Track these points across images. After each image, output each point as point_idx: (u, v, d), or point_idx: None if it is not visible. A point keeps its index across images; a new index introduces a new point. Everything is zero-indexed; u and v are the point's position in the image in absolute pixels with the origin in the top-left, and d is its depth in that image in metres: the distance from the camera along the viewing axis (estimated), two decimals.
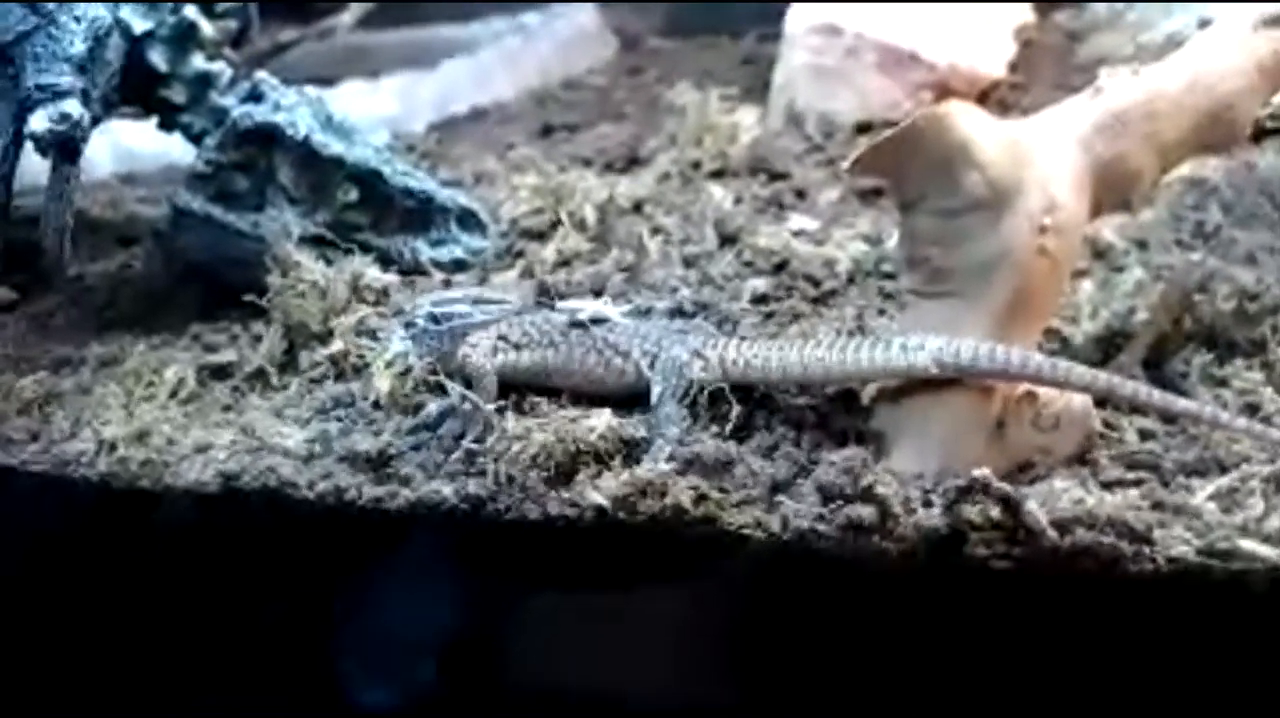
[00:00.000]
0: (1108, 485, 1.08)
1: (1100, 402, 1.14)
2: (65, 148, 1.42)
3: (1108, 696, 1.01)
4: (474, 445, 1.15)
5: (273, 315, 1.40)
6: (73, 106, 1.40)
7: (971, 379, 1.09)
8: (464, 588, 1.20)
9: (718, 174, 1.76)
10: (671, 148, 1.83)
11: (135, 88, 1.53)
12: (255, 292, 1.41)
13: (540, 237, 1.61)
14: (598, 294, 1.43)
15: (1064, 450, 1.12)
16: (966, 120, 1.10)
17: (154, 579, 1.26)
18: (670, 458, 1.12)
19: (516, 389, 1.22)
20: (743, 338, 1.22)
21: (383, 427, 1.23)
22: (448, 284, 1.53)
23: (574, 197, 1.64)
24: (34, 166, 1.52)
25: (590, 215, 1.62)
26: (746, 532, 1.06)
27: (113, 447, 1.25)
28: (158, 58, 1.52)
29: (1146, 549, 0.99)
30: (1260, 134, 1.51)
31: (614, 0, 2.43)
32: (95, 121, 1.46)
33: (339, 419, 1.27)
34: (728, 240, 1.56)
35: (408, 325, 1.25)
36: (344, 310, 1.40)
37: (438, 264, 1.56)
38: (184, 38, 1.54)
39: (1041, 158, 1.12)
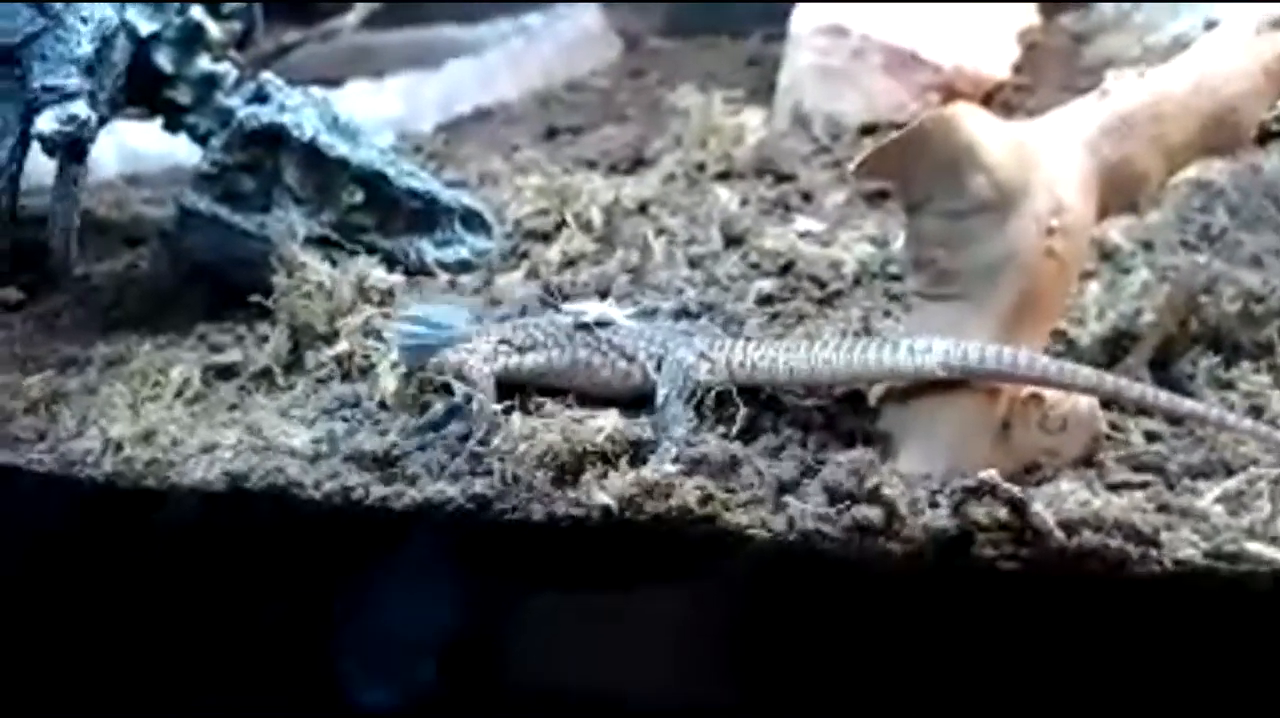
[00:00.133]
0: (1114, 487, 1.08)
1: (1106, 404, 1.14)
2: (72, 148, 1.43)
3: (1115, 697, 1.01)
4: (479, 447, 1.15)
5: (278, 316, 1.41)
6: (80, 108, 1.40)
7: (978, 381, 1.09)
8: (471, 588, 1.20)
9: (723, 176, 1.75)
10: (676, 149, 1.83)
11: (141, 89, 1.54)
12: (261, 292, 1.41)
13: (545, 238, 1.61)
14: (603, 295, 1.43)
15: (1070, 452, 1.12)
16: (973, 122, 1.10)
17: (160, 578, 1.26)
18: (676, 459, 1.11)
19: (522, 389, 1.22)
20: (748, 339, 1.22)
21: (389, 427, 1.23)
22: (452, 285, 1.53)
23: (579, 198, 1.65)
24: (40, 167, 1.52)
25: (595, 217, 1.62)
26: (752, 532, 1.06)
27: (119, 446, 1.25)
28: (164, 59, 1.52)
29: (1153, 551, 0.99)
30: (1266, 137, 1.51)
31: (617, 1, 2.43)
32: (102, 122, 1.47)
33: (345, 419, 1.27)
34: (733, 242, 1.56)
35: (391, 333, 1.25)
36: (349, 311, 1.41)
37: (443, 265, 1.56)
38: (190, 39, 1.54)
39: (1048, 160, 1.12)
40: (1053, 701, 1.03)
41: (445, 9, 2.46)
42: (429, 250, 1.56)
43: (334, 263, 1.45)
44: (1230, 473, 1.08)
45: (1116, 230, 1.47)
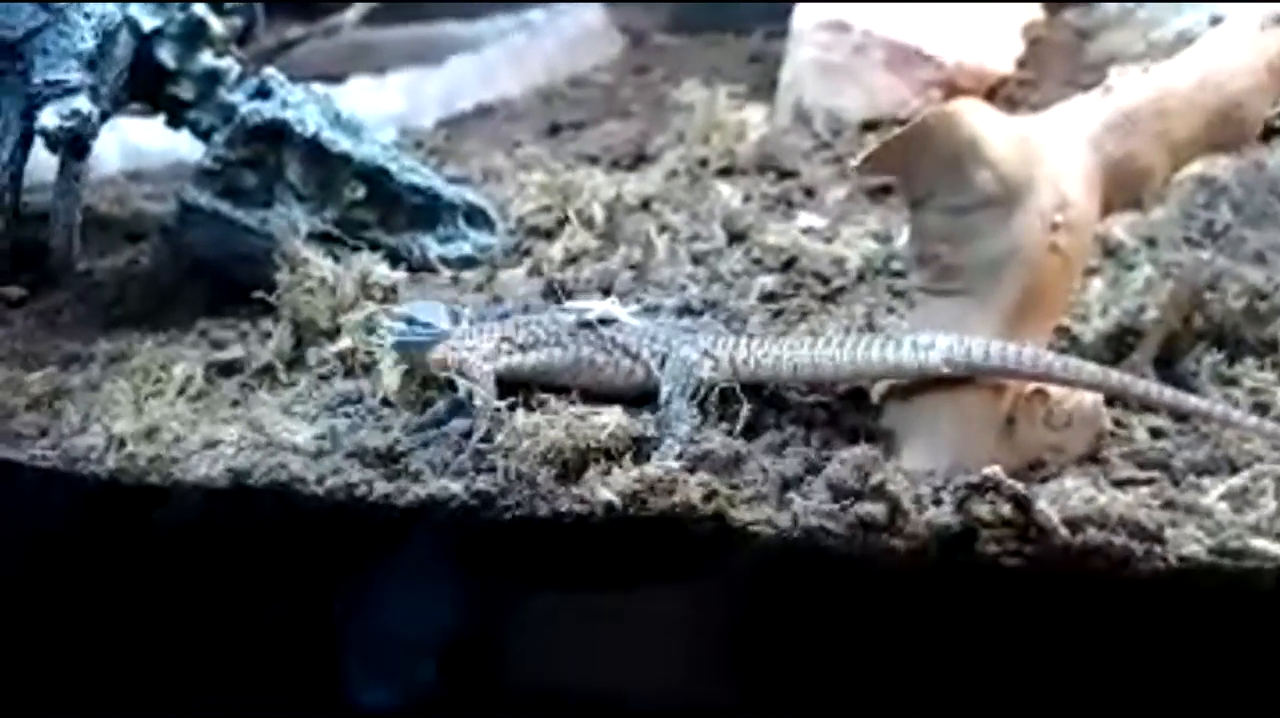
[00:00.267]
0: (1119, 484, 1.08)
1: (1110, 400, 1.14)
2: (75, 144, 1.42)
3: (1119, 694, 1.01)
4: (482, 444, 1.15)
5: (281, 312, 1.40)
6: (82, 103, 1.40)
7: (982, 377, 1.09)
8: (474, 584, 1.20)
9: (725, 172, 1.75)
10: (679, 145, 1.82)
11: (144, 84, 1.53)
12: (263, 288, 1.41)
13: (548, 234, 1.61)
14: (606, 292, 1.43)
15: (1075, 449, 1.12)
16: (977, 117, 1.09)
17: (163, 575, 1.26)
18: (680, 456, 1.11)
19: (525, 386, 1.22)
20: (752, 337, 1.22)
21: (391, 423, 1.23)
22: (455, 281, 1.53)
23: (581, 194, 1.64)
24: (41, 164, 1.52)
25: (598, 213, 1.61)
26: (756, 529, 1.06)
27: (122, 442, 1.25)
28: (166, 54, 1.52)
29: (1158, 548, 0.99)
30: (1270, 133, 1.51)
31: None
32: (104, 118, 1.46)
33: (348, 416, 1.27)
34: (736, 238, 1.56)
35: (386, 329, 1.25)
36: (352, 307, 1.40)
37: (446, 261, 1.56)
38: (193, 34, 1.54)
39: (1052, 155, 1.11)
40: (1057, 698, 1.03)
41: (447, 5, 2.45)
42: (432, 246, 1.56)
43: (336, 259, 1.44)
44: (1235, 470, 1.08)
45: (1120, 227, 1.47)
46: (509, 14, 2.40)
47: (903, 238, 1.50)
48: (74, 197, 1.46)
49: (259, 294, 1.41)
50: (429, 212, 1.56)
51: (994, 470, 1.01)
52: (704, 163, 1.77)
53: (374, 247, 1.49)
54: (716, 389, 1.16)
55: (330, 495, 1.15)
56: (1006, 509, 1.01)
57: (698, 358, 1.17)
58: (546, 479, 1.11)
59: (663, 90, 2.07)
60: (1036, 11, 2.04)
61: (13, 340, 1.49)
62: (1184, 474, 1.09)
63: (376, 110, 1.93)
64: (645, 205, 1.66)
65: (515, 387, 1.21)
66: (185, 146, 1.72)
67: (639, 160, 1.83)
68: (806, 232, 1.57)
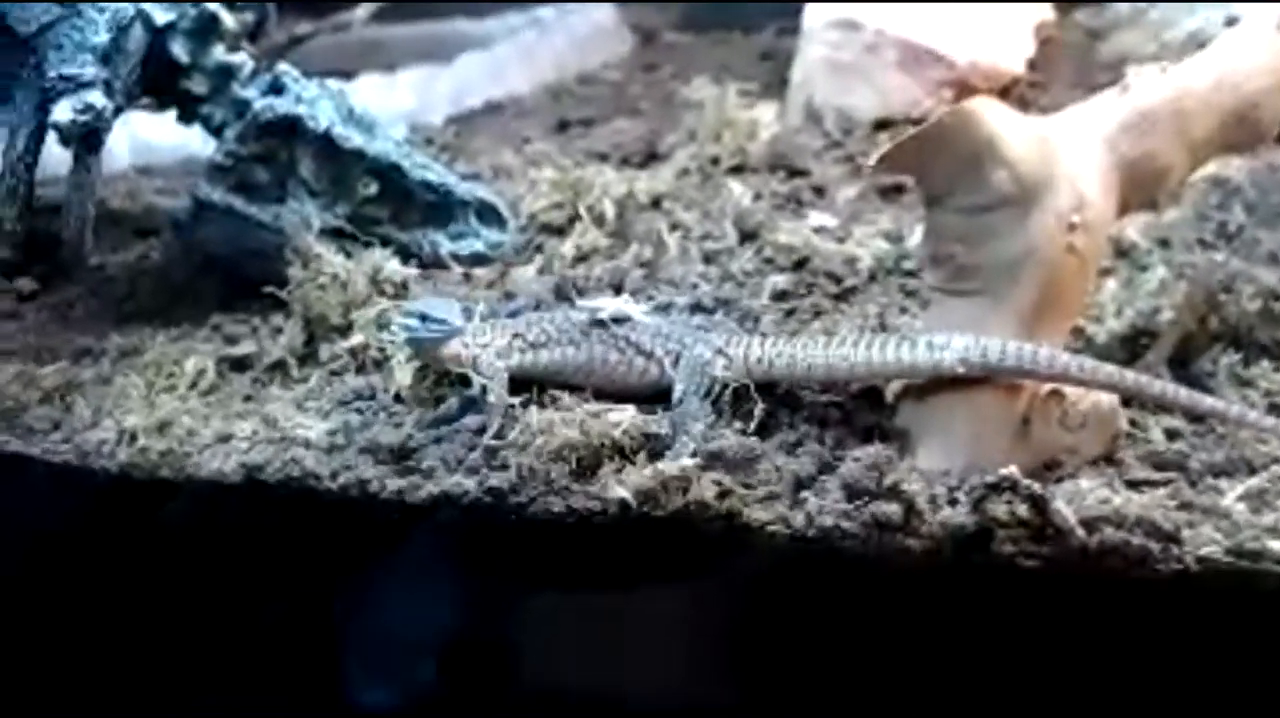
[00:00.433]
0: (1135, 485, 1.08)
1: (1126, 401, 1.14)
2: (88, 138, 1.42)
3: (1136, 695, 1.01)
4: (494, 441, 1.15)
5: (293, 308, 1.40)
6: (96, 97, 1.39)
7: (998, 378, 1.09)
8: (486, 581, 1.20)
9: (737, 170, 1.75)
10: (690, 143, 1.82)
11: (156, 79, 1.53)
12: (275, 284, 1.41)
13: (559, 232, 1.61)
14: (617, 290, 1.43)
15: (1091, 450, 1.11)
16: (994, 117, 1.09)
17: (175, 569, 1.26)
18: (693, 454, 1.11)
19: (540, 384, 1.22)
20: (766, 336, 1.22)
21: (404, 419, 1.23)
22: (467, 278, 1.53)
23: (592, 192, 1.64)
24: (52, 158, 1.52)
25: (609, 211, 1.61)
26: (770, 528, 1.06)
27: (134, 437, 1.25)
28: (179, 49, 1.52)
29: (1175, 549, 0.98)
30: None
31: None
32: (118, 112, 1.46)
33: (360, 412, 1.27)
34: (748, 237, 1.56)
35: (398, 325, 1.25)
36: (364, 303, 1.40)
37: (457, 258, 1.55)
38: (206, 29, 1.53)
39: (1069, 155, 1.11)
40: (1074, 699, 1.03)
41: (457, 3, 2.45)
42: (443, 243, 1.55)
43: (348, 255, 1.44)
44: (1252, 471, 1.08)
45: (1133, 228, 1.46)
46: (519, 11, 2.40)
47: (915, 237, 1.50)
48: (87, 191, 1.46)
49: (271, 290, 1.41)
50: (441, 208, 1.56)
51: (1011, 470, 1.01)
52: (715, 161, 1.77)
53: (385, 243, 1.49)
54: (730, 388, 1.15)
55: (343, 491, 1.15)
56: (1023, 509, 1.00)
57: (711, 356, 1.17)
58: (560, 477, 1.11)
59: (673, 88, 2.06)
60: (1048, 12, 2.04)
61: (24, 334, 1.49)
62: (1201, 475, 1.09)
63: (386, 107, 1.92)
64: (656, 203, 1.66)
65: (528, 384, 1.21)
66: (196, 142, 1.72)
67: (649, 158, 1.82)
68: (818, 231, 1.56)
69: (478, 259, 1.56)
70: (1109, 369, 1.07)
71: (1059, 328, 1.14)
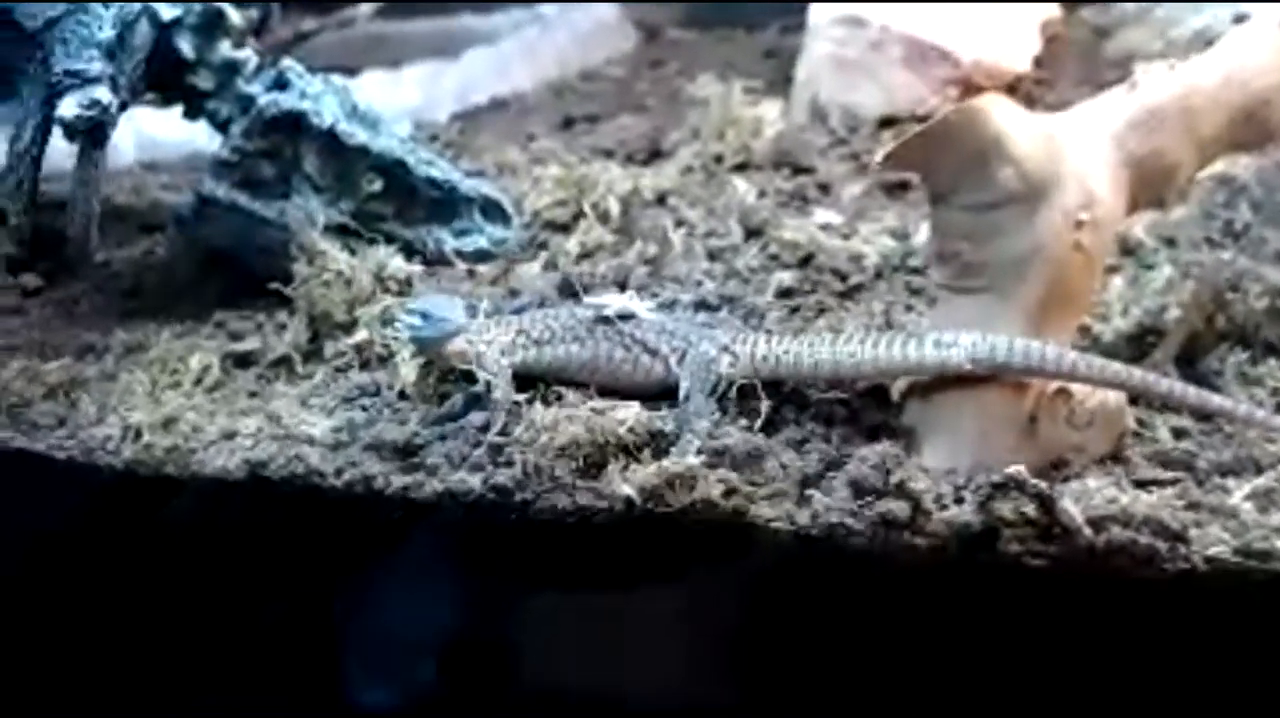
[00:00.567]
0: (1142, 484, 1.07)
1: (1132, 399, 1.13)
2: (94, 134, 1.42)
3: (1143, 695, 1.01)
4: (499, 439, 1.15)
5: (297, 304, 1.40)
6: (102, 92, 1.39)
7: (1006, 376, 1.09)
8: (490, 579, 1.20)
9: (741, 167, 1.74)
10: (694, 141, 1.81)
11: (162, 74, 1.53)
12: (280, 280, 1.41)
13: (563, 228, 1.60)
14: (621, 287, 1.42)
15: (1098, 448, 1.11)
16: (1002, 114, 1.09)
17: (179, 565, 1.26)
18: (699, 451, 1.11)
19: (544, 381, 1.22)
20: (772, 333, 1.21)
21: (408, 416, 1.23)
22: (471, 275, 1.53)
23: (597, 188, 1.64)
24: (57, 153, 1.52)
25: (613, 207, 1.61)
26: (776, 525, 1.06)
27: (139, 433, 1.25)
28: (185, 45, 1.52)
29: (1182, 548, 0.98)
30: None
31: None
32: (123, 108, 1.46)
33: (364, 408, 1.26)
34: (752, 234, 1.55)
35: (401, 323, 1.25)
36: (368, 300, 1.40)
37: (461, 254, 1.55)
38: (211, 25, 1.53)
39: (1077, 152, 1.11)
40: (1081, 698, 1.03)
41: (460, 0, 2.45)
42: (447, 240, 1.55)
43: (353, 251, 1.44)
44: (1260, 470, 1.08)
45: (1139, 226, 1.46)
46: (523, 8, 2.40)
47: (920, 234, 1.49)
48: (93, 186, 1.46)
49: (275, 286, 1.40)
50: (445, 205, 1.56)
51: (1018, 469, 1.01)
52: (719, 158, 1.77)
53: (390, 239, 1.49)
54: (735, 386, 1.15)
55: (348, 488, 1.15)
56: (1029, 508, 1.00)
57: (717, 354, 1.16)
58: (565, 474, 1.10)
59: (677, 85, 2.06)
60: (1054, 9, 2.03)
61: (29, 330, 1.49)
62: (1208, 475, 1.08)
63: (391, 103, 1.92)
64: (661, 200, 1.66)
65: (533, 381, 1.21)
66: (201, 137, 1.72)
67: (654, 155, 1.82)
68: (824, 228, 1.56)
69: (482, 256, 1.56)
70: (1117, 368, 1.07)
71: (1066, 326, 1.13)
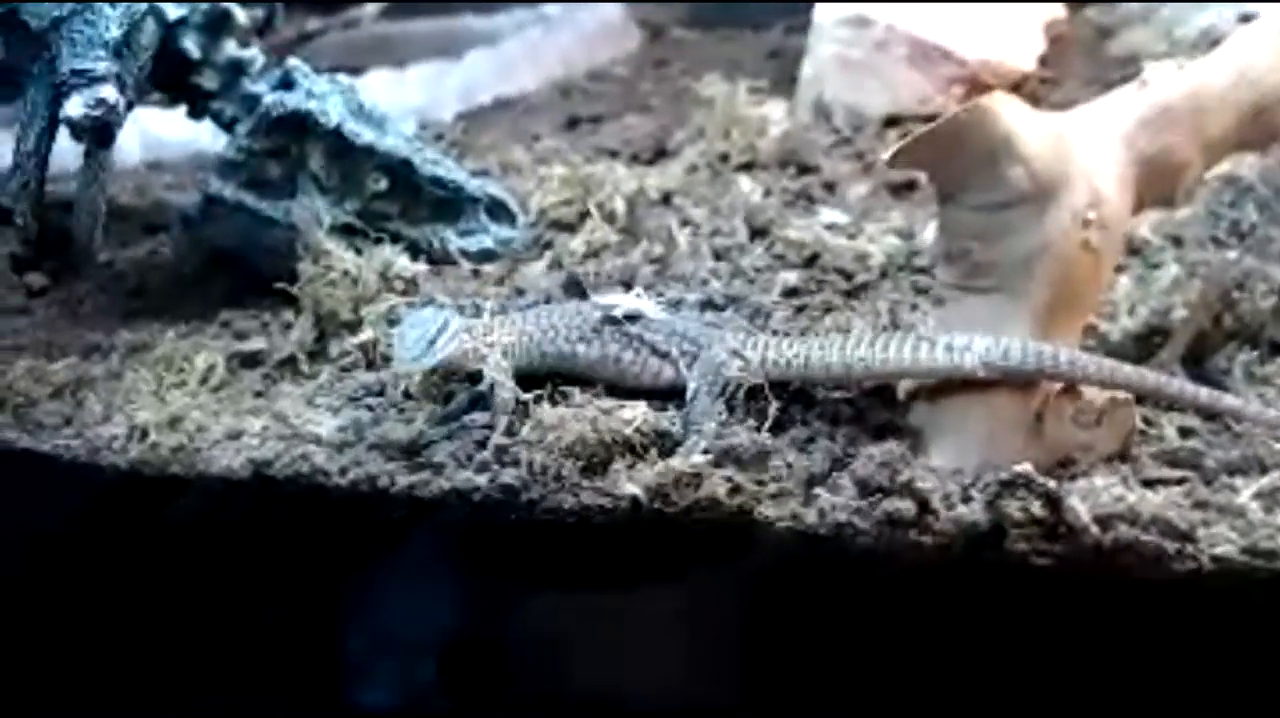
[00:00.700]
0: (1149, 483, 1.07)
1: (1139, 398, 1.13)
2: (100, 133, 1.42)
3: (1149, 695, 1.01)
4: (503, 439, 1.14)
5: (303, 303, 1.40)
6: (108, 92, 1.39)
7: (1018, 379, 1.08)
8: (496, 578, 1.20)
9: (746, 167, 1.74)
10: (699, 140, 1.82)
11: (168, 74, 1.53)
12: (285, 279, 1.41)
13: (569, 228, 1.60)
14: (627, 286, 1.42)
15: (1105, 448, 1.11)
16: (1011, 113, 1.08)
17: (184, 565, 1.26)
18: (705, 451, 1.11)
19: (550, 379, 1.22)
20: (780, 335, 1.21)
21: (414, 416, 1.23)
22: (476, 274, 1.53)
23: (602, 188, 1.64)
24: (61, 151, 1.52)
25: (619, 207, 1.61)
26: (782, 524, 1.06)
27: (144, 433, 1.25)
28: (191, 44, 1.52)
29: (1189, 547, 0.98)
30: None
31: None
32: (129, 107, 1.46)
33: (370, 408, 1.26)
34: (758, 233, 1.55)
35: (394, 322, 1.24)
36: (374, 299, 1.40)
37: (466, 254, 1.55)
38: (217, 25, 1.53)
39: (1086, 151, 1.11)
40: (1087, 698, 1.03)
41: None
42: (453, 239, 1.55)
43: (358, 251, 1.44)
44: (1266, 469, 1.07)
45: (1145, 226, 1.46)
46: (527, 8, 2.40)
47: (926, 234, 1.49)
48: (99, 186, 1.46)
49: (281, 285, 1.41)
50: (451, 204, 1.56)
51: (1025, 468, 1.01)
52: (725, 158, 1.77)
53: (395, 239, 1.49)
54: (743, 387, 1.15)
55: (353, 487, 1.15)
56: (1036, 507, 1.00)
57: (726, 357, 1.16)
58: (571, 473, 1.10)
59: (682, 85, 2.06)
60: (1058, 9, 2.03)
61: (35, 329, 1.49)
62: (1216, 474, 1.08)
63: (396, 103, 1.92)
64: (666, 200, 1.66)
65: (539, 380, 1.21)
66: (206, 137, 1.72)
67: (659, 155, 1.82)
68: (829, 227, 1.56)
69: (487, 255, 1.56)
70: (1129, 371, 1.07)
71: (1073, 325, 1.13)
